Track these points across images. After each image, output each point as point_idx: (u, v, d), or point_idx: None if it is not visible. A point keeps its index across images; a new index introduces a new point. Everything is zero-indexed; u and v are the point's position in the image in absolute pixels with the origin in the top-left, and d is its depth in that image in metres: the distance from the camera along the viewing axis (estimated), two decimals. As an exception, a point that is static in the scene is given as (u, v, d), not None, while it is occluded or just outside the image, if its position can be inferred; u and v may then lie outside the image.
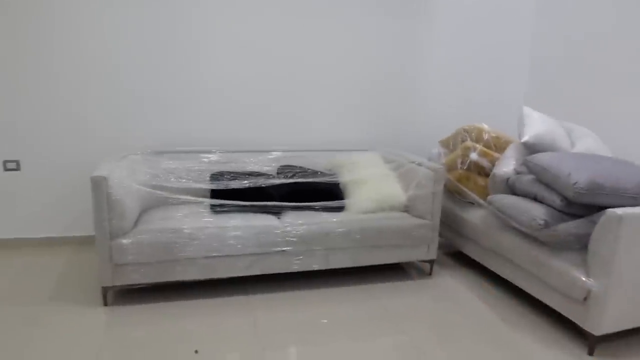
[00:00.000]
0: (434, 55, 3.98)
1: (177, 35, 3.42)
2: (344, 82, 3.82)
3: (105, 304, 2.75)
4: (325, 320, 2.67)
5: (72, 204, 3.52)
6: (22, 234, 3.52)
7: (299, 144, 3.71)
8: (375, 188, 3.17)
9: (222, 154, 3.43)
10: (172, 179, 3.07)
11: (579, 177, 2.43)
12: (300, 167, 3.34)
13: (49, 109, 3.34)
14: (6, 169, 3.38)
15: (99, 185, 2.55)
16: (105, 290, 2.73)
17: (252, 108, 3.68)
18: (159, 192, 2.94)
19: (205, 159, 3.36)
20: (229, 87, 3.60)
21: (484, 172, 3.28)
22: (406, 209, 3.24)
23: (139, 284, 2.75)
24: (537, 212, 2.62)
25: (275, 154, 3.53)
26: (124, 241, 2.64)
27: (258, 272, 2.89)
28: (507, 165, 3.04)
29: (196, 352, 2.34)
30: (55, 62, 3.28)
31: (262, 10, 3.54)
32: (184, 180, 3.10)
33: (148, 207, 3.05)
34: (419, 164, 3.22)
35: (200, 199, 3.00)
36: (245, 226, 2.83)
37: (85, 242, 3.57)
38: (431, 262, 3.26)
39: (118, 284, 2.71)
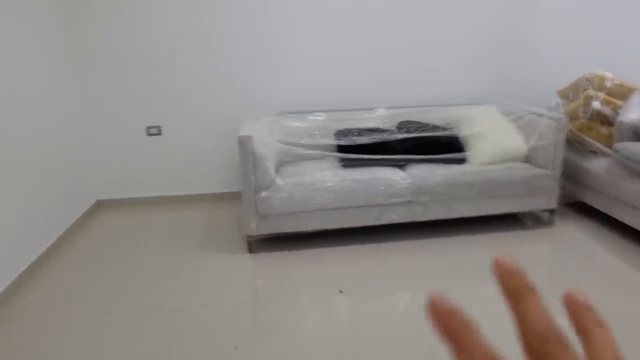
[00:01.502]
0: (550, 3, 3.89)
1: (288, 4, 3.60)
2: (457, 35, 3.85)
3: (251, 251, 3.06)
4: (449, 266, 2.85)
5: (207, 164, 3.88)
6: (165, 191, 3.93)
7: (414, 100, 3.82)
8: (496, 140, 3.25)
9: (342, 112, 3.62)
10: (305, 137, 3.31)
11: None
12: (420, 122, 3.47)
13: (183, 79, 3.67)
14: (149, 134, 3.76)
15: (245, 143, 2.83)
16: (250, 239, 3.05)
17: (367, 66, 3.82)
18: (295, 148, 3.20)
19: (327, 118, 3.56)
20: (344, 47, 3.74)
21: (607, 121, 3.26)
22: (527, 159, 3.30)
23: (279, 233, 3.04)
24: (670, 158, 2.62)
25: (392, 111, 3.68)
26: (267, 194, 2.93)
27: (387, 222, 3.10)
28: (633, 113, 3.02)
29: (341, 291, 2.59)
30: (186, 34, 3.57)
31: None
32: (316, 137, 3.33)
33: (283, 163, 3.31)
34: (540, 115, 3.26)
35: (332, 154, 3.23)
36: (373, 179, 3.03)
37: (219, 198, 3.93)
38: (552, 211, 3.32)
39: (262, 233, 3.02)
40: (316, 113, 3.60)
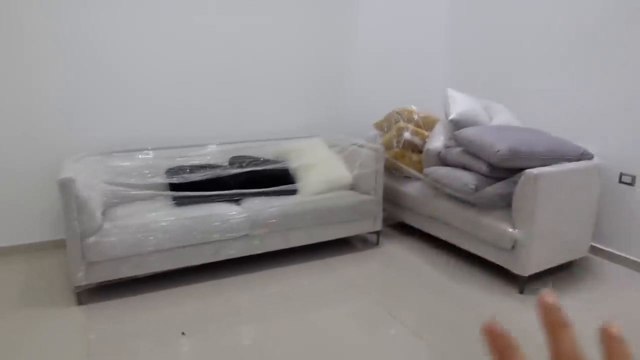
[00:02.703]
0: (362, 46, 4.33)
1: (110, 36, 3.49)
2: (284, 74, 4.06)
3: (80, 303, 2.82)
4: (292, 294, 2.95)
5: (23, 211, 3.49)
6: (-31, 247, 3.45)
7: (245, 136, 3.92)
8: (324, 171, 3.46)
9: (172, 149, 3.56)
10: (133, 177, 3.19)
11: (500, 145, 2.86)
12: (251, 157, 3.56)
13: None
14: (-52, 182, 3.30)
15: (67, 186, 2.64)
16: (79, 290, 2.81)
17: (196, 102, 3.82)
18: (124, 189, 3.05)
19: (156, 156, 3.47)
20: (170, 82, 3.70)
21: (417, 149, 3.67)
22: (352, 187, 3.57)
23: (112, 280, 2.86)
24: (467, 179, 3.04)
25: (223, 146, 3.72)
26: (95, 239, 2.74)
27: (225, 257, 3.09)
28: (437, 141, 3.44)
29: (183, 334, 2.52)
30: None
31: (199, 8, 3.69)
32: (146, 177, 3.22)
33: (112, 204, 3.13)
34: (361, 146, 3.56)
35: (165, 193, 3.15)
36: (208, 215, 3.01)
37: (41, 248, 3.56)
38: (378, 233, 3.63)
39: (91, 282, 2.80)
40: (145, 151, 3.49)
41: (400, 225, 4.06)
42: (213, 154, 3.67)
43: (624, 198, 3.29)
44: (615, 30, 3.25)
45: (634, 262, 3.27)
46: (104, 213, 3.01)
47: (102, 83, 3.52)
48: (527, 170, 2.77)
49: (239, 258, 3.16)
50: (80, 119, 3.51)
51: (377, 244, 3.67)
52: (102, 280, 2.83)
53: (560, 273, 3.18)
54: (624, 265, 3.32)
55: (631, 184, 3.25)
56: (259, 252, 3.19)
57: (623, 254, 3.34)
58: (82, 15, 3.37)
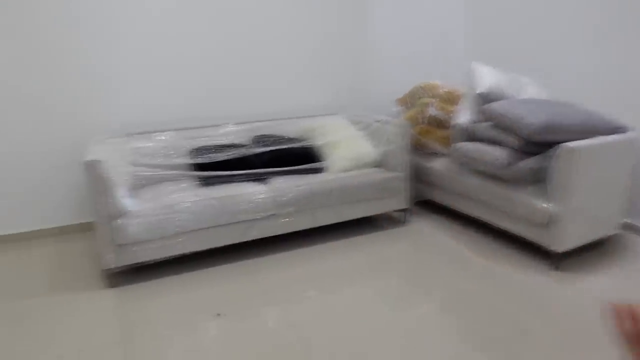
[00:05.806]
0: (382, 22, 4.23)
1: (132, 16, 3.42)
2: (301, 52, 3.98)
3: (111, 286, 2.81)
4: (320, 273, 2.91)
5: (48, 195, 3.47)
6: (-4, 231, 3.45)
7: (265, 114, 3.86)
8: (350, 148, 3.40)
9: (193, 130, 3.52)
10: (160, 158, 3.15)
11: (533, 119, 2.77)
12: (275, 135, 3.51)
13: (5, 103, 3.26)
14: (-29, 167, 3.28)
15: (94, 169, 2.60)
16: (109, 272, 2.80)
17: (217, 83, 3.76)
18: (150, 170, 3.02)
19: (178, 136, 3.43)
20: (186, 61, 3.64)
21: (442, 125, 3.60)
22: (379, 164, 3.51)
23: (142, 262, 2.84)
24: (498, 153, 2.97)
25: (245, 125, 3.67)
26: (123, 221, 2.72)
27: (253, 237, 3.06)
28: (464, 115, 3.36)
29: (218, 315, 2.50)
30: (10, 52, 3.20)
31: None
32: (172, 157, 3.18)
33: (138, 186, 3.10)
34: (385, 122, 3.49)
35: (190, 173, 3.11)
36: (234, 195, 2.97)
37: (69, 231, 3.55)
38: (405, 211, 3.58)
39: (122, 264, 2.79)
40: (166, 132, 3.44)
41: (428, 203, 4.00)
42: (234, 133, 3.63)
43: (658, 171, 3.21)
44: (651, -3, 3.13)
45: (668, 236, 3.21)
46: (130, 195, 2.98)
47: (122, 64, 3.46)
48: (564, 144, 2.69)
49: (266, 238, 3.13)
50: (101, 100, 3.46)
51: (404, 222, 3.62)
52: (132, 262, 2.81)
53: (593, 250, 3.12)
54: (658, 239, 3.26)
55: (666, 156, 3.17)
56: (287, 231, 3.16)
57: (656, 228, 3.27)
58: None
